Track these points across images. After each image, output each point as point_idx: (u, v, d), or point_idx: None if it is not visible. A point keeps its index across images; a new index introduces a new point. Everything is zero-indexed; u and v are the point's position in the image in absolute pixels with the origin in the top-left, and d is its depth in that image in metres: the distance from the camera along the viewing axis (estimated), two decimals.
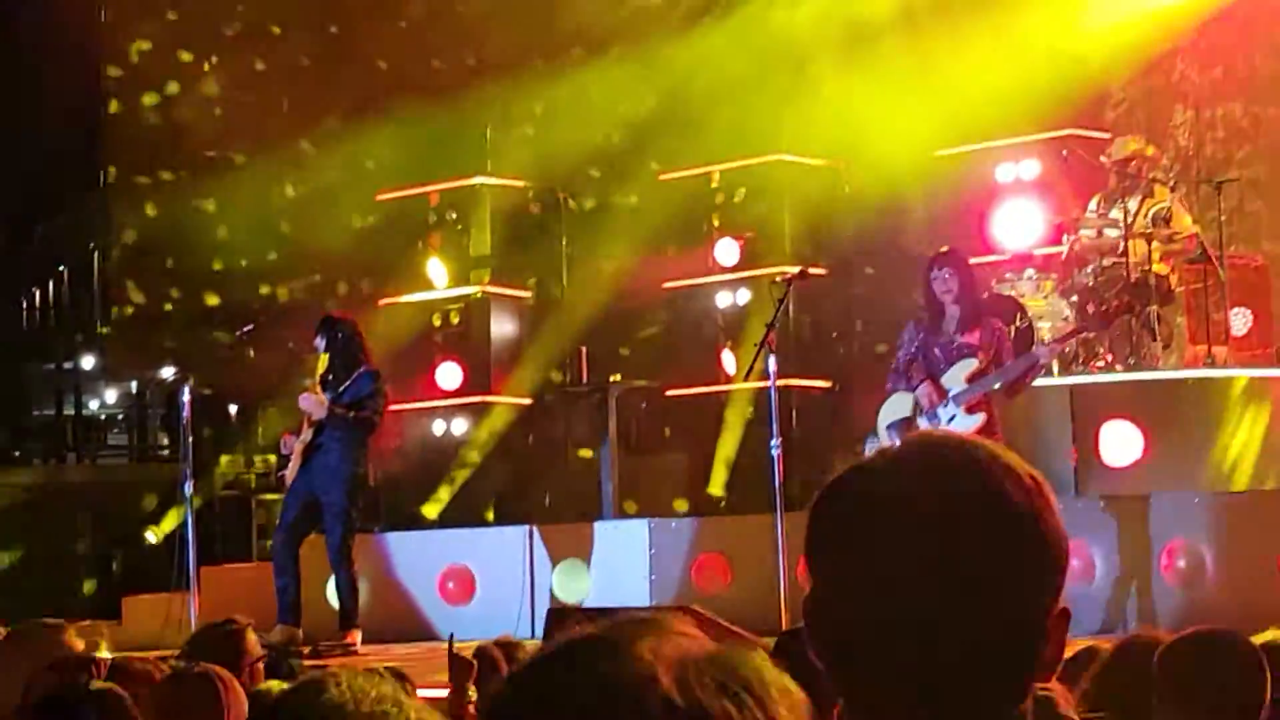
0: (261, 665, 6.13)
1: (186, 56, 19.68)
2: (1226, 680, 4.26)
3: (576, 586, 13.97)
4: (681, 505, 16.28)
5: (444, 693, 6.29)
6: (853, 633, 1.95)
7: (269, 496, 17.17)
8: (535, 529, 14.39)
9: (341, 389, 13.34)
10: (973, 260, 14.85)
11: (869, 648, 1.95)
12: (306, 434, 13.36)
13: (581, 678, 1.66)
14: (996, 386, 10.73)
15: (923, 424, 10.62)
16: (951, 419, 10.55)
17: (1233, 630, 4.43)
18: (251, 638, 6.17)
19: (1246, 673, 4.28)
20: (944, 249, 11.75)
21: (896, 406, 11.03)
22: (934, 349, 10.88)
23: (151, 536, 16.89)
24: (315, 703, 2.41)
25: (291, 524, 13.40)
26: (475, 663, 6.38)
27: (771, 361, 10.88)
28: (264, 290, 19.45)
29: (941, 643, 1.92)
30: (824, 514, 2.02)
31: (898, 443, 2.05)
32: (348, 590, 13.34)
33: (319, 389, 13.41)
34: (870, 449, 10.71)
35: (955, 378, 10.73)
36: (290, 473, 13.41)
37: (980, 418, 10.57)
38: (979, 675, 1.93)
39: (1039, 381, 11.96)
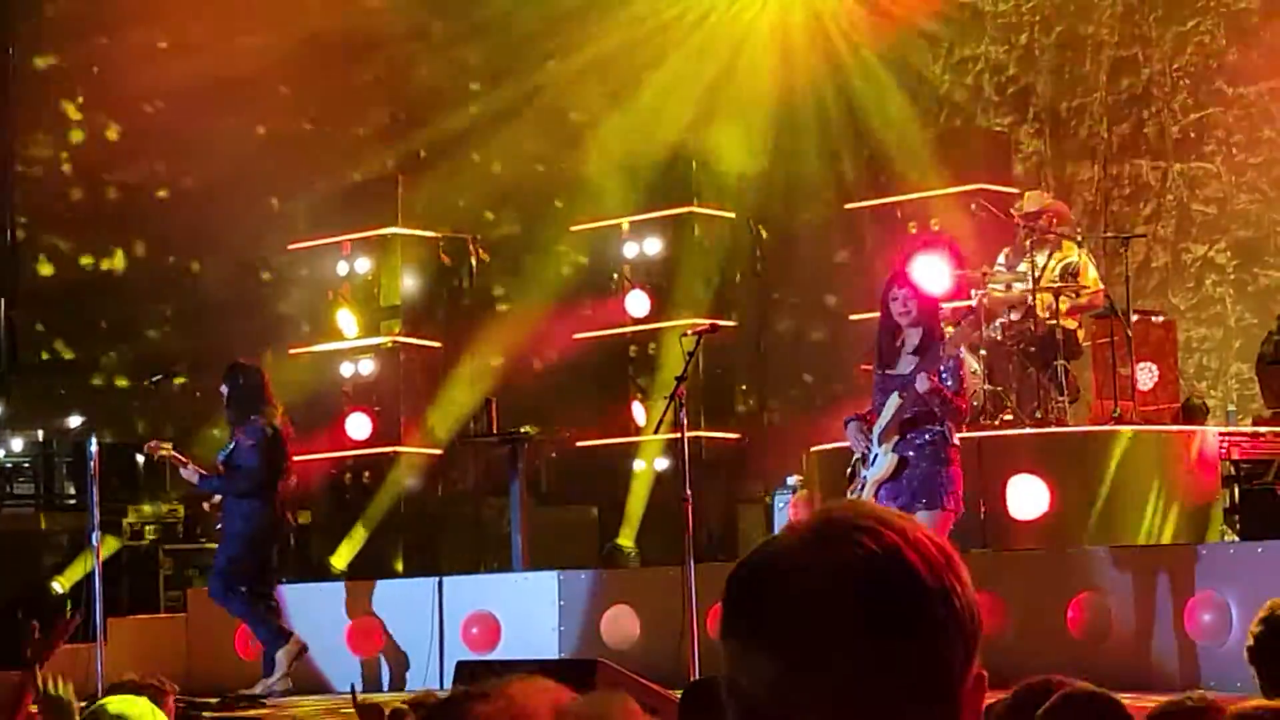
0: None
1: (97, 105, 19.56)
2: None
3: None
4: (590, 557, 16.27)
5: None
6: (766, 712, 1.96)
7: (178, 546, 17.04)
8: (443, 580, 14.33)
9: (230, 444, 13.42)
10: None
11: None
12: (215, 497, 13.70)
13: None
14: (888, 418, 10.18)
15: (859, 467, 10.42)
16: (874, 459, 10.25)
17: (1105, 693, 4.46)
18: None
19: None
20: (899, 271, 11.50)
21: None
22: (874, 387, 10.49)
23: (58, 587, 16.72)
24: None
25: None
26: (385, 711, 6.36)
27: (681, 414, 10.86)
28: (172, 339, 19.33)
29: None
30: (734, 594, 2.03)
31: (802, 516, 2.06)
32: (260, 633, 13.41)
33: (169, 450, 13.54)
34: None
35: (882, 415, 10.29)
36: (189, 475, 13.54)
37: (892, 459, 10.11)
38: None
39: None
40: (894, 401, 10.22)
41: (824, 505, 2.08)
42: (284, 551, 13.75)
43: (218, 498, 13.51)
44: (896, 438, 10.19)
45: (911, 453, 10.14)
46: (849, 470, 10.64)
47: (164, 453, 13.67)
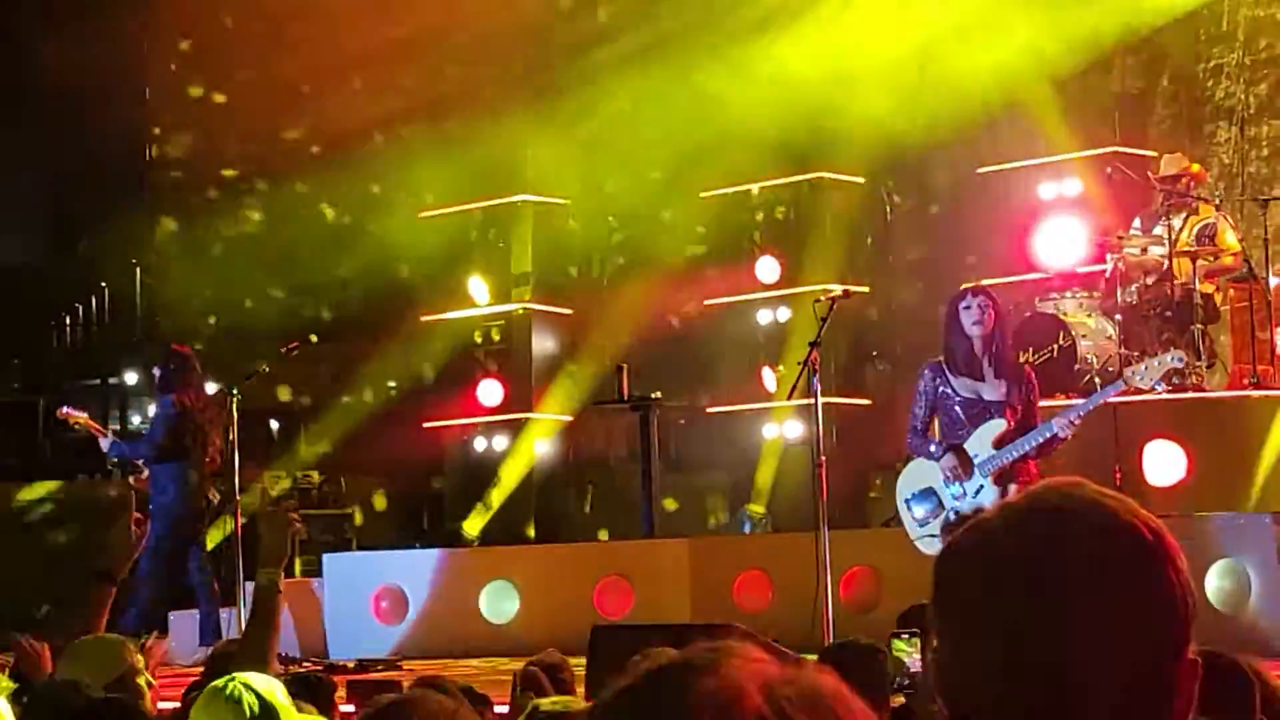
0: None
1: (226, 75, 19.74)
2: (1226, 701, 4.27)
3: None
4: (722, 522, 16.29)
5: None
6: (979, 693, 1.97)
7: (312, 511, 17.22)
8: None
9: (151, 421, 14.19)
10: (1015, 278, 14.92)
11: (997, 706, 1.96)
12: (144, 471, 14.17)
13: (675, 698, 1.69)
14: (1024, 453, 9.84)
15: (946, 498, 10.05)
16: (979, 490, 9.90)
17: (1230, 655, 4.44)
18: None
19: (1238, 691, 4.31)
20: (975, 283, 11.18)
21: (917, 476, 10.29)
22: (954, 406, 9.99)
23: None
24: None
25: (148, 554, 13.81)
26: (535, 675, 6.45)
27: (815, 380, 10.83)
28: (308, 309, 19.51)
29: (1070, 704, 1.93)
30: (946, 576, 2.04)
31: (985, 501, 2.05)
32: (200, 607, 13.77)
33: (84, 419, 14.22)
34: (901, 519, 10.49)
35: (981, 442, 9.91)
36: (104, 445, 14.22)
37: (1011, 490, 9.66)
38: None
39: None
40: (998, 427, 9.87)
41: (1035, 486, 2.08)
42: (201, 522, 14.11)
43: (145, 473, 13.98)
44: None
45: (1016, 482, 9.85)
46: (919, 502, 10.25)
47: (79, 421, 14.13)
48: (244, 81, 19.43)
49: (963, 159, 16.30)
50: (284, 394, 19.34)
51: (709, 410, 16.71)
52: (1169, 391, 12.94)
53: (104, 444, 14.22)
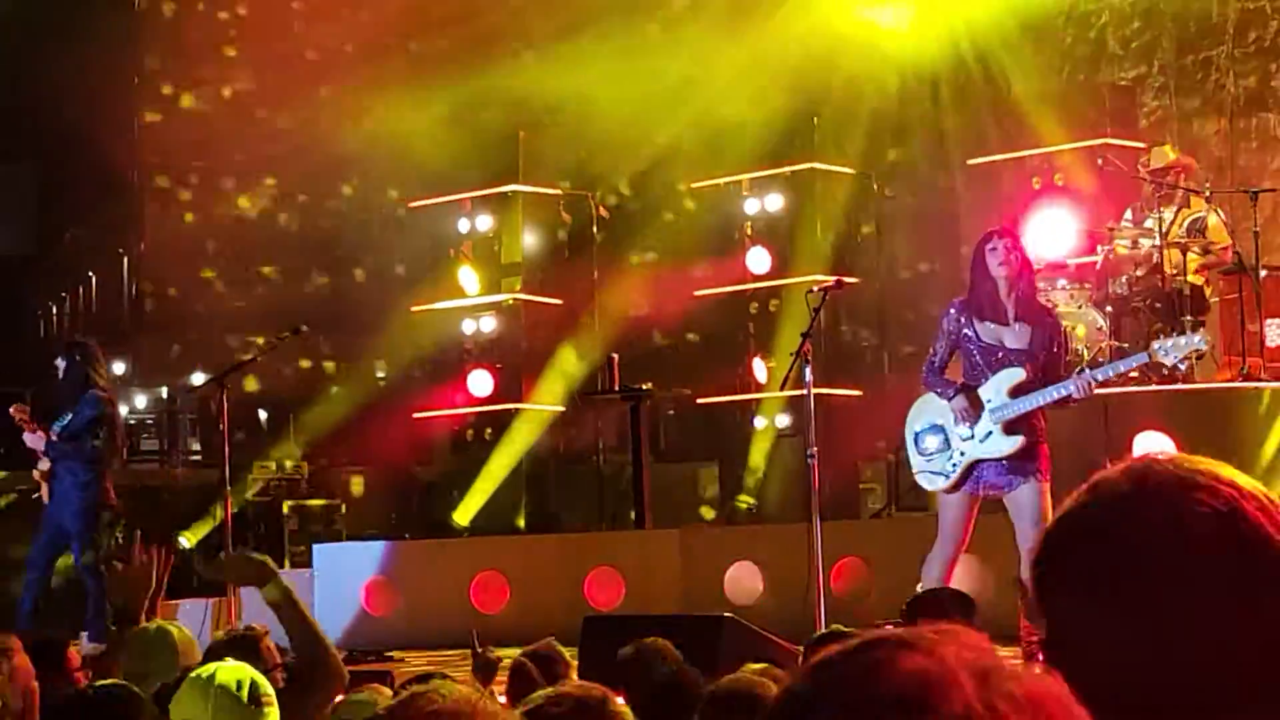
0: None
1: (220, 54, 19.72)
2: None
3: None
4: (710, 513, 16.30)
5: None
6: (1111, 674, 1.93)
7: (302, 501, 17.21)
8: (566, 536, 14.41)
9: (67, 416, 13.58)
10: None
11: (1126, 681, 1.92)
12: (44, 463, 13.65)
13: (886, 672, 1.63)
14: (1039, 405, 9.72)
15: (953, 439, 9.94)
16: (987, 436, 9.81)
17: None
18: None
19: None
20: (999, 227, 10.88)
21: (928, 411, 10.17)
22: (974, 351, 9.87)
23: (185, 541, 16.92)
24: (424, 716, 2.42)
25: (43, 545, 13.68)
26: (498, 661, 6.42)
27: (807, 371, 10.82)
28: (292, 296, 19.50)
29: (1205, 682, 1.89)
30: (1057, 555, 1.99)
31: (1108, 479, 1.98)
32: (95, 604, 13.40)
33: (26, 417, 13.67)
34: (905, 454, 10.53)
35: (996, 389, 9.80)
36: (45, 495, 13.70)
37: (1018, 440, 9.69)
38: (1254, 695, 1.90)
39: None
40: (1018, 376, 9.75)
41: (1140, 459, 2.03)
42: (113, 524, 13.98)
43: (45, 465, 13.66)
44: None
45: (1024, 433, 9.76)
46: (926, 436, 10.11)
47: (20, 417, 13.87)
48: (232, 74, 19.42)
49: (953, 150, 16.31)
50: (272, 383, 19.33)
51: (699, 401, 16.71)
52: (1157, 382, 12.95)
53: (33, 440, 13.71)
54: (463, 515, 16.35)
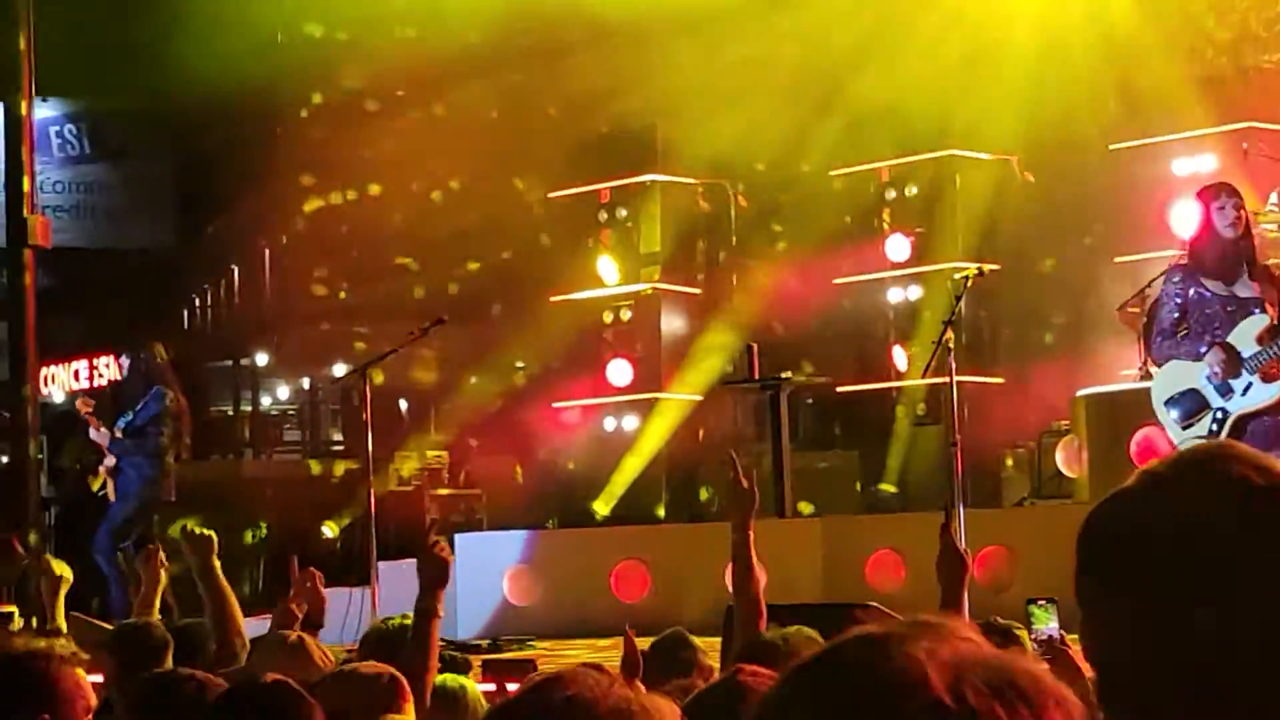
0: None
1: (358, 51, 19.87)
2: None
3: None
4: (853, 501, 16.24)
5: None
6: (1138, 663, 1.91)
7: (443, 491, 17.32)
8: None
9: (134, 411, 13.92)
10: (1151, 255, 14.75)
11: (1157, 676, 1.91)
12: (109, 460, 13.97)
13: (852, 675, 1.65)
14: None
15: (1212, 397, 9.46)
16: (1248, 389, 9.35)
17: None
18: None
19: None
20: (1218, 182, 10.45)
21: (1175, 378, 9.65)
22: (1212, 304, 9.43)
23: (328, 531, 17.08)
24: (556, 700, 2.41)
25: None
26: (642, 659, 6.37)
27: (950, 359, 10.76)
28: (431, 287, 19.62)
29: (1234, 673, 1.87)
30: (1093, 546, 1.98)
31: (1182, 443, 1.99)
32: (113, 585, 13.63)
33: (89, 411, 14.08)
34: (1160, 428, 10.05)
35: (1244, 338, 9.35)
36: (111, 492, 13.99)
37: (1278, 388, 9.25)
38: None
39: None
40: (1261, 322, 9.34)
41: (1187, 449, 2.02)
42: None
43: (111, 461, 13.89)
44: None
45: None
46: (1180, 405, 9.67)
47: (85, 411, 14.12)
48: (380, 63, 19.57)
49: (1095, 135, 16.13)
50: (414, 374, 19.47)
51: (839, 389, 16.66)
52: None
53: (98, 436, 14.02)
54: (603, 505, 16.39)
